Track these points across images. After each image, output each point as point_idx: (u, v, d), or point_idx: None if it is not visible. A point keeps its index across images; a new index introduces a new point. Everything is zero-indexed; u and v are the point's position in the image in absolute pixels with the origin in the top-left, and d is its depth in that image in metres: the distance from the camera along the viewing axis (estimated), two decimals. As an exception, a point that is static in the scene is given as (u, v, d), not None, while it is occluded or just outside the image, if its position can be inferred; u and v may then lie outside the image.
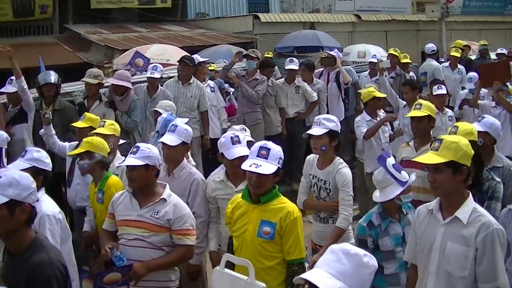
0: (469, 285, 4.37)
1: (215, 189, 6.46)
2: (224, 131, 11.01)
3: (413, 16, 30.82)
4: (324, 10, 29.94)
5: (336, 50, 13.96)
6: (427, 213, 4.66)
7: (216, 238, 6.55)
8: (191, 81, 10.99)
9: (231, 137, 6.18)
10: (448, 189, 4.45)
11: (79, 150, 7.00)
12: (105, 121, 7.89)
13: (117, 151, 7.80)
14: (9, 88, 9.80)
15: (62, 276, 3.99)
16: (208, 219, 6.64)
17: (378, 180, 5.84)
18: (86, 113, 8.72)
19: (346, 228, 6.44)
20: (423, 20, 29.14)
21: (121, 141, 8.20)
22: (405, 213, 5.80)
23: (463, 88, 14.08)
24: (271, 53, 17.62)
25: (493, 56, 17.59)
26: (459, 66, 15.37)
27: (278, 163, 5.06)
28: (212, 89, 11.83)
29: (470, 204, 4.45)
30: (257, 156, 5.02)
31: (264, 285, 4.18)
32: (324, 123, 6.52)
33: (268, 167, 4.96)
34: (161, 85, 10.94)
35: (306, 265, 5.29)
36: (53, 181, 7.98)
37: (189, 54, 12.45)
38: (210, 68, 13.46)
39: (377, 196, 5.85)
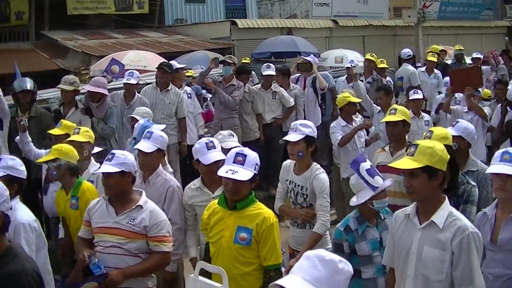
0: (446, 289, 4.39)
1: (191, 196, 6.45)
2: (200, 137, 11.03)
3: (390, 21, 31.00)
4: (302, 15, 30.08)
5: (312, 55, 13.95)
6: (404, 218, 4.67)
7: (195, 245, 6.53)
8: (169, 87, 10.96)
9: (206, 143, 6.19)
10: (424, 194, 4.47)
11: (48, 157, 6.96)
12: (80, 128, 7.85)
13: (92, 158, 7.76)
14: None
15: (37, 285, 3.97)
16: (184, 226, 6.62)
17: (352, 184, 5.86)
18: (62, 120, 8.67)
19: (323, 233, 6.45)
20: (400, 25, 29.32)
21: (98, 149, 8.17)
22: (383, 218, 5.79)
23: (439, 92, 14.16)
24: (248, 58, 17.63)
25: (468, 60, 17.70)
26: (436, 70, 15.45)
27: (255, 169, 5.06)
28: (189, 95, 11.80)
29: (446, 208, 4.47)
30: (233, 162, 5.03)
31: None
32: (300, 129, 6.51)
33: (244, 173, 4.96)
34: (139, 92, 10.90)
35: (283, 270, 5.29)
36: (29, 188, 7.97)
37: (166, 61, 12.42)
38: (187, 74, 13.44)
39: (353, 200, 5.87)
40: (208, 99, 14.00)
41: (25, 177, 5.89)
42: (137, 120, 8.54)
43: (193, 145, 6.84)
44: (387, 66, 15.26)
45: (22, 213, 5.53)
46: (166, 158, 7.71)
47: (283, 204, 6.92)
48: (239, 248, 5.08)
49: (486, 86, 15.75)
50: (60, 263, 7.11)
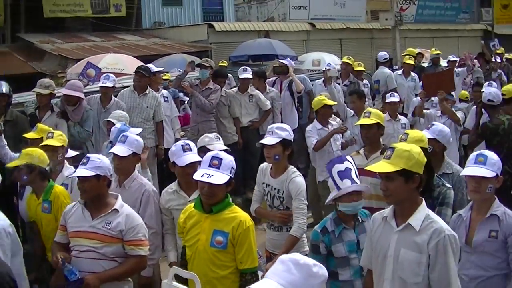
0: (423, 291, 4.41)
1: (168, 200, 6.43)
2: (177, 141, 11.00)
3: (367, 24, 31.16)
4: (279, 18, 30.12)
5: (288, 58, 13.98)
6: (381, 220, 4.68)
7: (174, 249, 6.49)
8: (146, 91, 10.91)
9: (182, 145, 6.20)
10: (400, 197, 4.48)
11: (18, 161, 6.93)
12: (53, 132, 7.80)
13: (65, 161, 7.71)
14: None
15: (11, 289, 3.94)
16: (160, 230, 6.60)
17: (329, 185, 5.89)
18: (38, 124, 8.62)
19: (300, 236, 6.46)
20: (377, 28, 29.48)
21: (74, 152, 8.13)
22: (361, 221, 5.78)
23: (416, 95, 14.21)
24: (225, 61, 17.65)
25: (444, 63, 17.80)
26: (412, 73, 15.53)
27: (230, 173, 5.07)
28: (166, 98, 11.75)
29: (423, 211, 4.48)
30: (209, 166, 5.03)
31: None
32: (277, 132, 6.53)
33: (220, 177, 4.97)
34: (116, 95, 10.85)
35: (260, 273, 5.29)
36: (5, 193, 7.90)
37: (144, 64, 12.39)
38: (164, 77, 13.42)
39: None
40: (186, 102, 13.97)
41: (0, 182, 5.85)
42: (114, 124, 8.52)
43: (169, 149, 6.84)
44: (364, 69, 15.33)
45: (-3, 218, 5.49)
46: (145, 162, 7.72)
47: (259, 207, 6.93)
48: (215, 251, 5.08)
49: (463, 88, 15.89)
50: (32, 267, 7.04)
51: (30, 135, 8.26)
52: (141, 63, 13.76)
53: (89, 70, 12.47)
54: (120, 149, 6.48)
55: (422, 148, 4.87)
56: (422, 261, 4.37)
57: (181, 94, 13.72)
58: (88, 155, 5.77)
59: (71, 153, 8.04)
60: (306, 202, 6.62)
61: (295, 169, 6.72)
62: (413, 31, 31.60)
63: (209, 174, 4.95)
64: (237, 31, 25.67)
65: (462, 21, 36.71)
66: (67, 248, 5.74)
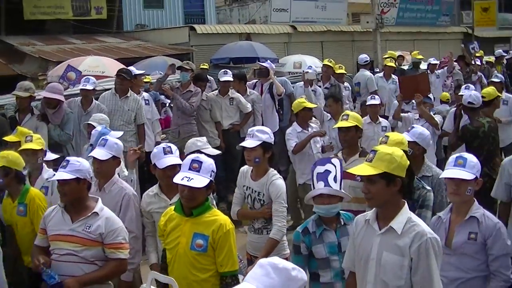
0: (406, 295, 4.41)
1: (149, 203, 6.41)
2: (158, 144, 10.97)
3: (348, 27, 31.28)
4: (260, 21, 30.14)
5: (269, 61, 13.98)
6: (364, 223, 4.67)
7: (155, 251, 6.47)
8: (128, 94, 10.88)
9: (163, 148, 6.21)
10: (382, 200, 4.48)
11: None
12: (32, 136, 7.75)
13: (44, 164, 7.67)
14: None
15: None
16: (140, 234, 6.59)
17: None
18: (18, 127, 8.58)
19: (280, 239, 6.46)
20: (358, 31, 29.58)
21: (54, 155, 8.10)
22: (343, 223, 5.76)
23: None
24: (207, 64, 17.63)
25: (424, 66, 17.86)
26: (393, 76, 15.54)
27: (210, 176, 5.07)
28: (147, 101, 11.71)
29: (405, 214, 4.48)
30: (189, 169, 5.03)
31: None
32: (257, 135, 6.52)
33: (200, 180, 4.96)
34: (97, 98, 10.81)
35: (241, 277, 5.29)
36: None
37: (125, 67, 12.34)
38: (145, 80, 13.38)
39: None
40: (167, 105, 13.95)
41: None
42: (94, 127, 8.49)
43: (150, 152, 6.84)
44: (345, 72, 15.33)
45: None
46: (123, 163, 7.70)
47: (240, 209, 6.92)
48: (195, 254, 5.08)
49: (444, 90, 15.97)
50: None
51: (10, 138, 8.21)
52: (122, 66, 13.71)
53: (69, 73, 12.40)
54: (100, 153, 6.46)
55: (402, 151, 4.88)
56: (404, 264, 4.37)
57: (162, 97, 13.70)
58: (67, 158, 5.75)
59: (51, 156, 8.01)
60: (286, 205, 6.62)
61: (275, 171, 6.72)
62: (394, 34, 31.77)
63: (189, 178, 4.95)
64: (218, 34, 25.69)
65: (443, 24, 36.96)
66: (47, 251, 5.72)
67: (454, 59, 17.74)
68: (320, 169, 5.78)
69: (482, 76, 17.14)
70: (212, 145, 11.23)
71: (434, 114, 11.04)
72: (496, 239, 5.32)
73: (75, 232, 5.51)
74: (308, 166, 8.84)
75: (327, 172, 5.75)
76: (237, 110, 12.25)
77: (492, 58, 20.54)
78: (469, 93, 9.84)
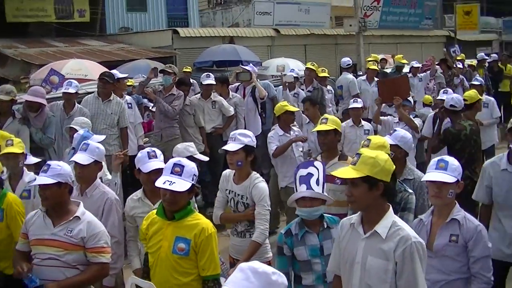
0: (391, 299, 4.41)
1: (133, 208, 6.41)
2: (140, 147, 10.96)
3: (331, 30, 31.32)
4: (244, 24, 30.15)
5: (251, 64, 13.98)
6: (349, 227, 4.65)
7: (138, 256, 6.48)
8: (111, 97, 10.84)
9: (148, 152, 6.24)
10: (364, 204, 4.46)
11: None
12: (12, 140, 7.71)
13: (25, 168, 7.63)
14: None
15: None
16: (122, 239, 6.58)
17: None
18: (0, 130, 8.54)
19: (262, 242, 6.47)
20: (341, 34, 29.63)
21: (36, 159, 8.06)
22: (326, 226, 5.75)
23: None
24: (190, 67, 17.58)
25: (407, 69, 17.94)
26: (376, 79, 15.60)
27: (192, 180, 5.07)
28: (130, 105, 11.67)
29: (390, 217, 4.46)
30: (171, 173, 5.02)
31: None
32: (239, 139, 6.52)
33: (181, 184, 4.96)
34: (79, 101, 10.76)
35: (223, 279, 5.29)
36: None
37: (108, 70, 12.31)
38: (127, 83, 13.34)
39: None
40: (150, 107, 13.93)
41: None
42: (77, 130, 8.46)
43: (132, 156, 6.83)
44: (328, 75, 15.38)
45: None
46: (106, 167, 7.68)
47: (223, 212, 6.92)
48: (177, 258, 5.07)
49: (426, 93, 16.05)
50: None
51: (-9, 141, 8.17)
52: (105, 69, 13.69)
53: (52, 76, 12.38)
54: (82, 157, 6.44)
55: (384, 154, 4.88)
56: (388, 268, 4.36)
57: (145, 100, 13.68)
58: (48, 162, 5.73)
59: (33, 159, 7.97)
60: (269, 208, 6.61)
61: (258, 175, 6.72)
62: (377, 37, 31.87)
63: (171, 181, 4.95)
64: (201, 37, 25.65)
65: (426, 27, 37.11)
66: (29, 256, 5.70)
67: (437, 63, 17.83)
68: (302, 172, 5.79)
69: (464, 79, 17.24)
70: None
71: (414, 117, 11.07)
72: (477, 242, 5.37)
73: (57, 236, 5.49)
74: (290, 169, 8.86)
75: (310, 175, 5.76)
76: (220, 114, 12.24)
77: (474, 62, 20.68)
78: (451, 96, 9.91)
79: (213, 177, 11.17)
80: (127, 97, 11.97)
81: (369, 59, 17.78)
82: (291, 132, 9.86)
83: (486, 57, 21.17)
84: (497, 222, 6.73)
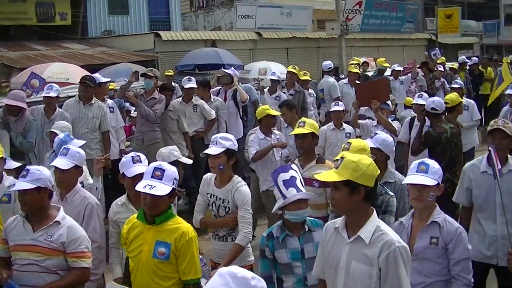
0: (375, 304, 4.40)
1: (117, 213, 6.38)
2: (122, 151, 10.92)
3: (313, 34, 31.37)
4: (226, 27, 30.19)
5: (232, 68, 13.96)
6: (334, 231, 4.63)
7: (119, 264, 6.43)
8: (92, 101, 10.78)
9: (132, 157, 6.22)
10: (345, 207, 4.44)
11: None
12: (-7, 144, 7.69)
13: (4, 173, 7.57)
14: None
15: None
16: (104, 244, 6.54)
17: (274, 193, 5.88)
18: (-21, 135, 8.50)
19: (245, 245, 6.46)
20: (323, 38, 29.68)
21: (16, 164, 8.02)
22: (307, 230, 5.72)
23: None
24: (172, 71, 17.52)
25: (388, 72, 17.99)
26: (358, 82, 15.63)
27: (173, 184, 5.07)
28: (111, 109, 11.61)
29: (374, 222, 4.44)
30: (152, 177, 5.02)
31: None
32: (221, 142, 6.51)
33: (162, 188, 4.96)
34: (61, 105, 10.72)
35: (204, 281, 5.28)
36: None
37: (89, 73, 12.26)
38: (109, 87, 13.29)
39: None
40: (132, 112, 13.89)
41: None
42: (57, 134, 8.42)
43: (114, 160, 6.80)
44: (310, 78, 15.38)
45: None
46: (87, 171, 7.65)
47: (204, 217, 6.91)
48: (158, 262, 5.06)
49: (408, 95, 16.11)
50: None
51: (-29, 146, 8.11)
52: (86, 73, 13.62)
53: (33, 80, 12.29)
54: (62, 162, 6.37)
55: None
56: (372, 273, 4.33)
57: (127, 104, 13.64)
58: (27, 167, 5.70)
59: (13, 164, 7.92)
60: (252, 212, 6.62)
61: (240, 178, 6.71)
62: (359, 40, 31.96)
63: (151, 185, 4.94)
64: (183, 40, 25.63)
65: (407, 31, 37.27)
66: (8, 262, 5.66)
67: (418, 65, 17.90)
68: (285, 176, 5.75)
69: (445, 82, 17.33)
70: (181, 156, 11.26)
71: (393, 121, 11.10)
72: (457, 244, 5.39)
73: (37, 241, 5.47)
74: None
75: (293, 178, 5.74)
76: (201, 117, 12.21)
77: (455, 65, 20.81)
78: (432, 99, 9.94)
79: (196, 180, 11.14)
80: (109, 101, 11.92)
81: (352, 62, 17.81)
82: (272, 136, 9.85)
83: (467, 60, 21.31)
84: (477, 224, 6.75)
